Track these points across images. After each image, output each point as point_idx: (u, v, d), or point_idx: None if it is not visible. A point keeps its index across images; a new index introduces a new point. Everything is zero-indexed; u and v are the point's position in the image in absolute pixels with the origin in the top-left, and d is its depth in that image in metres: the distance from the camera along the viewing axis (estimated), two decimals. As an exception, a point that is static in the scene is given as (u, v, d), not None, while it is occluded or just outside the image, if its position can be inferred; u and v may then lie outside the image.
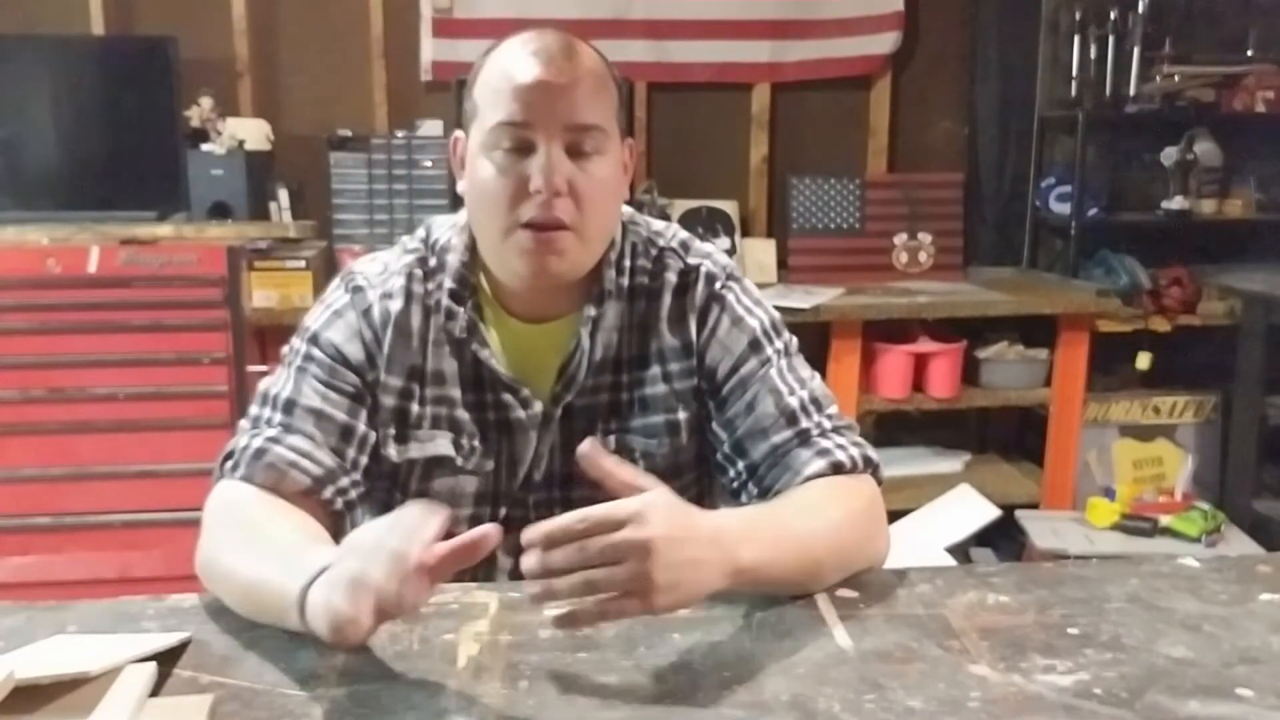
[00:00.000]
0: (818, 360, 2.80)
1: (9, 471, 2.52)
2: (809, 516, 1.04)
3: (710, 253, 1.24)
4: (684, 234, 1.26)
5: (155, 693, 0.86)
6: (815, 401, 1.17)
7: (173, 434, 2.50)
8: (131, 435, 2.52)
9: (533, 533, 0.84)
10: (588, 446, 0.91)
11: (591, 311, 1.17)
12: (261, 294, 2.68)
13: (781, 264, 3.25)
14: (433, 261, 1.19)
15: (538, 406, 1.18)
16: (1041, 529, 2.90)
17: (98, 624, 0.99)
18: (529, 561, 0.84)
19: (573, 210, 1.09)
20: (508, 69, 1.09)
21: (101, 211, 2.74)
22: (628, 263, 1.20)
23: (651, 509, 0.86)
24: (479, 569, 1.20)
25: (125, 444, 2.52)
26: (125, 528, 2.54)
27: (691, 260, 1.22)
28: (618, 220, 1.20)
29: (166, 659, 0.90)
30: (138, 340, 2.51)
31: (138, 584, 2.31)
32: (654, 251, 1.22)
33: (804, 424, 1.15)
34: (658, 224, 1.26)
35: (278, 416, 1.12)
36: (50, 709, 0.81)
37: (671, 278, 1.21)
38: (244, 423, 1.15)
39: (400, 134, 2.99)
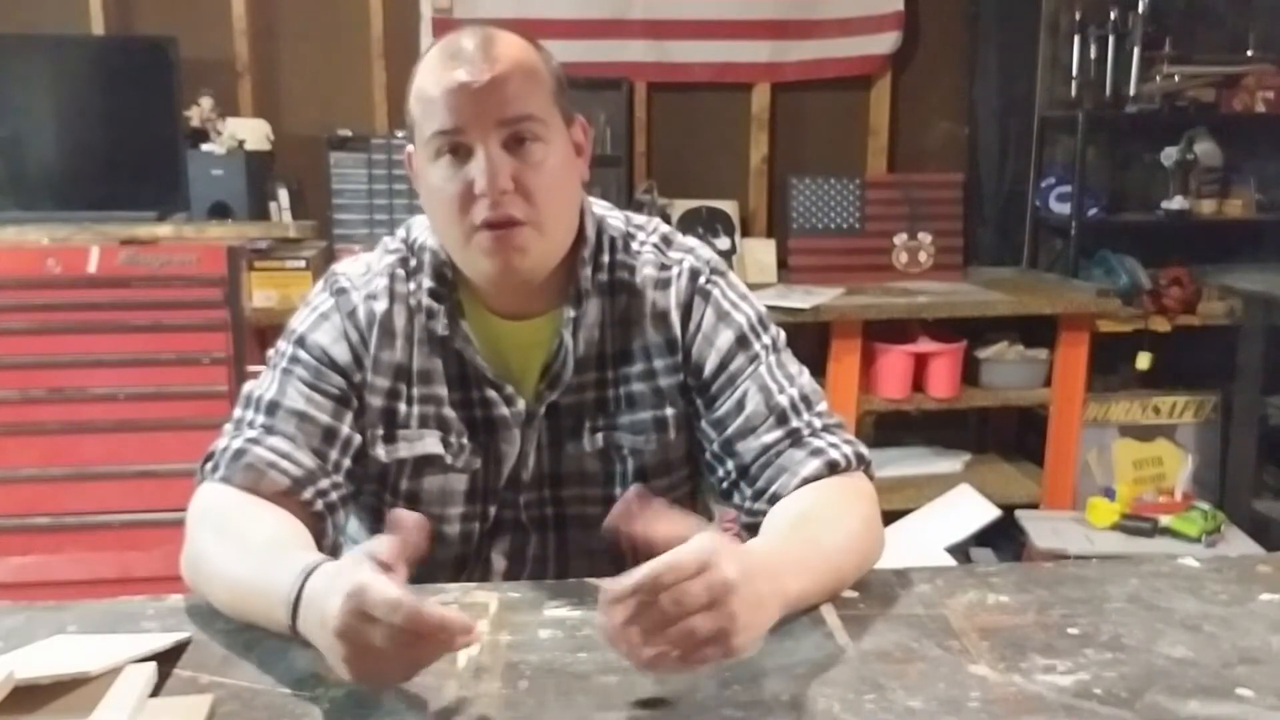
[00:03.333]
0: (817, 360, 2.81)
1: (9, 471, 2.52)
2: (833, 533, 1.04)
3: (693, 247, 1.23)
4: (665, 228, 1.24)
5: (155, 693, 0.86)
6: (805, 399, 1.16)
7: (173, 434, 2.50)
8: (131, 435, 2.52)
9: (617, 588, 0.81)
10: (615, 517, 0.86)
11: (571, 313, 1.16)
12: (261, 294, 2.68)
13: (781, 264, 3.24)
14: (414, 261, 1.19)
15: (521, 404, 1.17)
16: (1041, 529, 2.90)
17: (98, 624, 0.99)
18: (613, 620, 0.81)
19: (524, 205, 1.08)
20: (431, 76, 1.09)
21: (101, 211, 2.74)
22: (605, 258, 1.19)
23: (718, 551, 0.83)
24: (474, 571, 1.21)
25: (125, 444, 2.52)
26: (125, 528, 2.54)
27: (673, 255, 1.21)
28: (577, 205, 1.17)
29: (166, 659, 0.90)
30: (138, 340, 2.51)
31: (137, 584, 2.30)
32: (633, 246, 1.21)
33: (794, 423, 1.14)
34: (639, 219, 1.25)
35: (260, 418, 1.12)
36: (50, 709, 0.81)
37: (652, 273, 1.19)
38: (227, 425, 1.15)
39: (400, 134, 2.99)
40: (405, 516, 0.94)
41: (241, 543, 1.00)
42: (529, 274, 1.12)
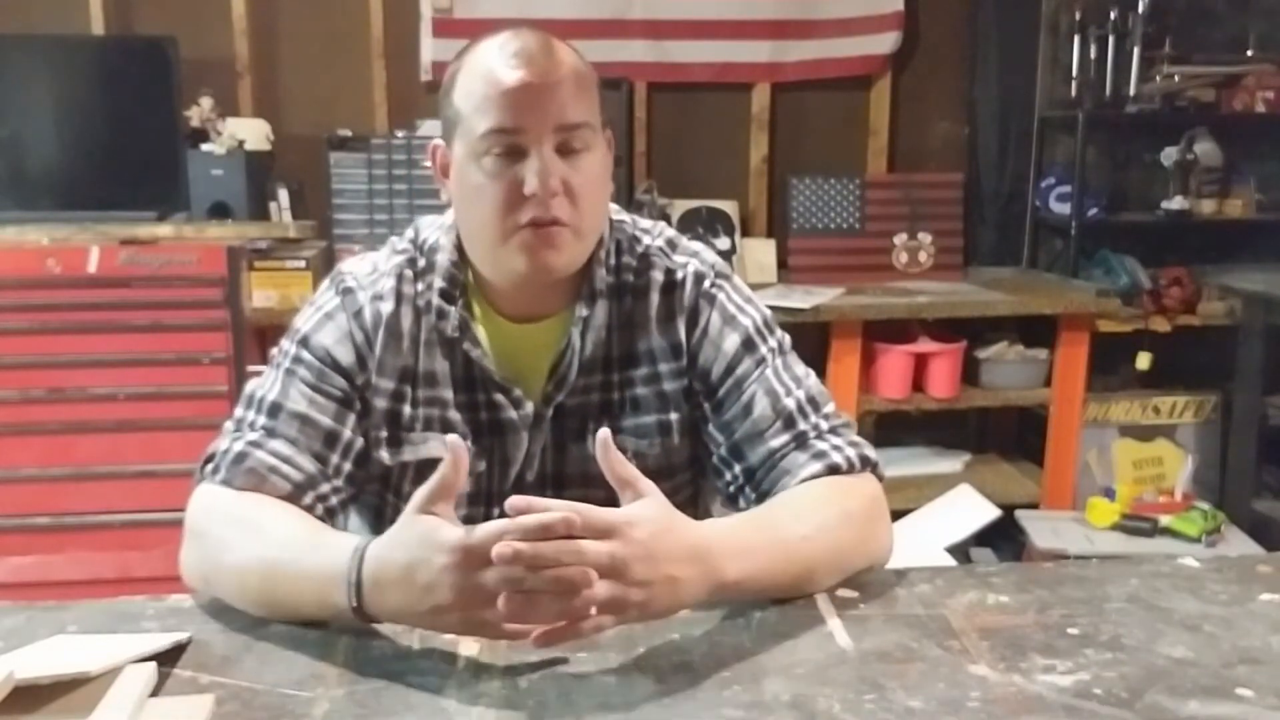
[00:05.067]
0: (818, 360, 2.81)
1: (9, 471, 2.51)
2: (801, 522, 1.03)
3: (698, 251, 1.23)
4: (671, 232, 1.25)
5: (155, 693, 0.86)
6: (812, 401, 1.16)
7: (173, 434, 2.50)
8: (131, 435, 2.52)
9: (524, 510, 0.85)
10: (604, 435, 0.92)
11: (583, 311, 1.16)
12: (261, 294, 2.68)
13: (781, 264, 3.25)
14: (422, 262, 1.18)
15: (529, 406, 1.17)
16: (1041, 529, 2.90)
17: (98, 624, 0.99)
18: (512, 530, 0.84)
19: (569, 208, 1.08)
20: (490, 74, 1.08)
21: (101, 211, 2.74)
22: (613, 261, 1.20)
23: (638, 524, 0.87)
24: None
25: (125, 444, 2.52)
26: (125, 528, 2.54)
27: (678, 259, 1.21)
28: (607, 213, 1.19)
29: (166, 659, 0.90)
30: (138, 340, 2.51)
31: (138, 584, 2.29)
32: (639, 249, 1.21)
33: (801, 426, 1.14)
34: (645, 222, 1.25)
35: (261, 420, 1.11)
36: (50, 709, 0.81)
37: (658, 276, 1.20)
38: (228, 425, 1.14)
39: (400, 134, 2.99)
40: (455, 445, 0.91)
41: (271, 536, 1.00)
42: (560, 274, 1.13)
